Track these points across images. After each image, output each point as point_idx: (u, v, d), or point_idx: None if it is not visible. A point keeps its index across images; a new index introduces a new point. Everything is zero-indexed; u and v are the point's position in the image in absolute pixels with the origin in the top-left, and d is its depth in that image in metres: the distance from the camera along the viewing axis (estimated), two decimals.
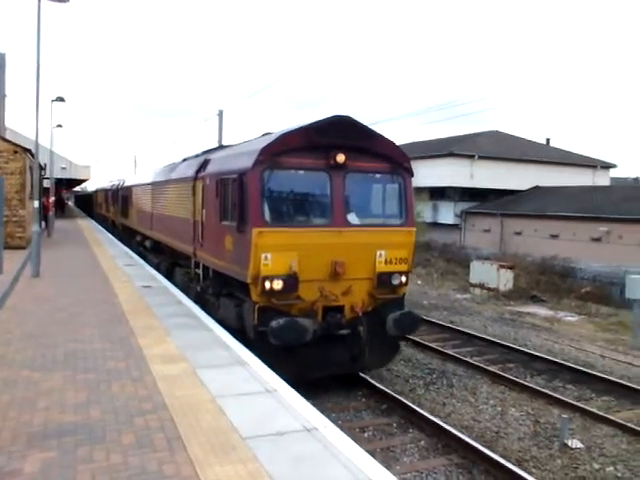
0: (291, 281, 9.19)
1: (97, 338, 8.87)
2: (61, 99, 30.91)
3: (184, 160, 16.89)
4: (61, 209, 56.52)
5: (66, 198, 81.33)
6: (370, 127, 10.13)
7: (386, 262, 10.01)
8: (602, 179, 47.19)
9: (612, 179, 51.52)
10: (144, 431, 5.46)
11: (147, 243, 21.09)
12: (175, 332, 9.26)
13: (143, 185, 21.98)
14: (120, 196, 29.33)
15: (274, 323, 8.90)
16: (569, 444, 8.89)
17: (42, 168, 26.76)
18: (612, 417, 10.00)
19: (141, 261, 19.78)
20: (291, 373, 8.26)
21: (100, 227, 38.22)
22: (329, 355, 9.81)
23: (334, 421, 6.62)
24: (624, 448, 8.97)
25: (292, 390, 6.68)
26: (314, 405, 6.47)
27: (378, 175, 10.36)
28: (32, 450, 5.04)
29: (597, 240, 30.97)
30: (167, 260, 17.51)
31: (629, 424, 9.67)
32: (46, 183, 36.64)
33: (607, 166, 48.83)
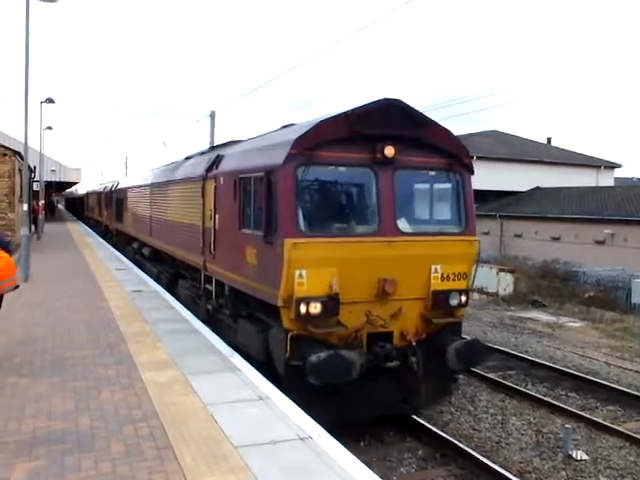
0: (331, 304, 7.52)
1: (87, 344, 8.75)
2: (51, 100, 30.75)
3: (188, 158, 15.09)
4: (51, 212, 56.17)
5: (56, 201, 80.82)
6: (422, 112, 8.45)
7: (442, 278, 8.33)
8: (606, 179, 46.05)
9: (616, 179, 50.43)
10: (134, 439, 5.37)
11: (145, 251, 19.30)
12: (166, 338, 9.16)
13: (140, 187, 20.19)
14: (114, 199, 27.46)
15: (313, 358, 7.16)
16: (573, 455, 8.65)
17: (32, 171, 26.56)
18: (619, 428, 9.73)
19: (131, 265, 19.63)
20: (329, 416, 6.98)
21: (91, 231, 37.97)
22: (375, 393, 8.10)
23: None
24: (632, 460, 8.73)
25: (285, 398, 6.60)
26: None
27: (432, 172, 8.65)
28: (19, 458, 4.95)
29: (601, 243, 30.46)
30: (169, 271, 15.72)
31: (637, 435, 9.39)
32: (36, 186, 36.38)
33: (611, 166, 47.65)
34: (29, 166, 21.96)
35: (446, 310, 8.44)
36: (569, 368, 13.30)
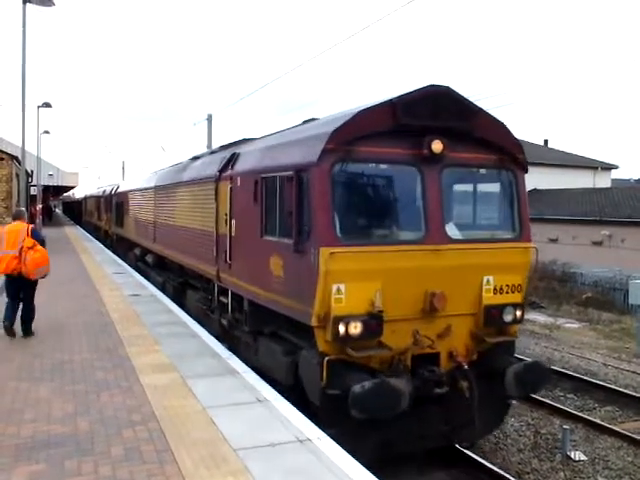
0: (374, 323, 6.55)
1: (85, 348, 8.76)
2: (48, 105, 30.79)
3: (195, 158, 13.96)
4: (49, 217, 56.13)
5: (54, 205, 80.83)
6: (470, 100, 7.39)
7: (495, 291, 7.42)
8: (603, 181, 45.76)
9: (613, 181, 50.20)
10: (133, 443, 5.38)
11: (149, 258, 18.06)
12: (164, 341, 9.16)
13: (143, 190, 19.05)
14: (114, 203, 26.34)
15: (357, 388, 6.17)
16: (572, 456, 8.68)
17: (29, 175, 26.59)
18: (616, 428, 9.76)
19: (129, 269, 19.62)
20: (370, 451, 6.47)
21: (88, 235, 37.91)
22: (421, 424, 7.11)
23: None
24: (630, 461, 8.76)
25: (284, 400, 6.62)
26: None
27: (483, 170, 7.69)
28: (19, 463, 4.95)
29: (598, 244, 30.38)
30: (175, 280, 14.63)
31: (635, 435, 9.43)
32: (33, 190, 36.42)
33: (608, 167, 47.40)
34: (26, 170, 21.97)
35: (499, 327, 7.51)
36: (567, 369, 13.35)
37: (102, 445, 5.32)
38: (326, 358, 6.55)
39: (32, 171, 33.48)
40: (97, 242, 31.51)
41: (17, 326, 9.58)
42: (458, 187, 7.87)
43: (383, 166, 7.12)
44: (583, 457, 8.74)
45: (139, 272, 18.60)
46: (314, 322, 6.59)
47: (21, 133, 16.99)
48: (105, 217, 30.51)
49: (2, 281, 10.48)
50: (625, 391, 11.79)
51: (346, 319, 6.44)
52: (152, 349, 8.69)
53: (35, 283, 9.81)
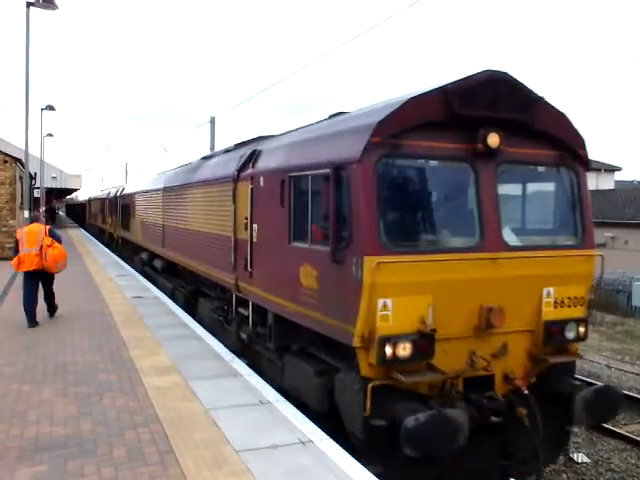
0: (424, 343, 5.74)
1: (88, 350, 8.78)
2: (51, 108, 30.91)
3: (207, 158, 13.26)
4: (52, 219, 56.29)
5: (57, 208, 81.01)
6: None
7: (556, 304, 6.60)
8: (606, 182, 45.81)
9: (617, 182, 50.28)
10: (136, 444, 5.39)
11: (157, 263, 17.22)
12: (167, 343, 9.18)
13: (150, 191, 18.22)
14: (119, 205, 25.50)
15: (410, 422, 5.34)
16: (574, 458, 8.65)
17: (32, 177, 26.68)
18: (620, 430, 9.74)
19: (132, 271, 19.64)
20: None
21: (92, 237, 37.99)
22: (476, 458, 6.14)
23: None
24: (633, 463, 8.75)
25: (287, 402, 6.63)
26: None
27: (542, 168, 6.91)
28: (22, 464, 4.97)
29: (601, 246, 30.61)
30: (186, 287, 13.91)
31: (638, 438, 9.41)
32: (36, 193, 36.52)
33: (611, 169, 47.43)
34: (30, 173, 22.03)
35: (560, 345, 6.68)
36: None
37: (105, 447, 5.33)
38: (370, 384, 5.71)
39: (35, 173, 33.58)
40: (99, 244, 31.58)
41: (18, 334, 9.59)
42: (514, 186, 7.07)
43: (433, 162, 6.33)
44: (586, 459, 8.74)
45: (146, 278, 17.97)
46: (356, 343, 5.72)
47: (24, 136, 17.05)
48: (110, 220, 29.90)
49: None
50: (629, 393, 11.74)
51: (393, 339, 5.62)
52: (155, 351, 8.71)
53: (53, 276, 11.16)
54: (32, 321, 10.53)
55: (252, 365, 8.48)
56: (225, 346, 9.27)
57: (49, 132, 39.91)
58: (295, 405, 6.60)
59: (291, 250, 7.18)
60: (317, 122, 8.03)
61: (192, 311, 12.64)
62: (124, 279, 17.20)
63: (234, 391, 6.93)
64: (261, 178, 8.25)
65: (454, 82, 5.98)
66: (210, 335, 10.01)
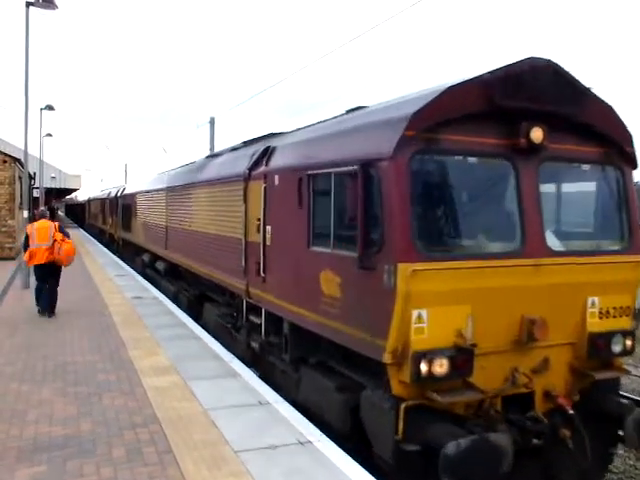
0: (462, 359, 5.20)
1: (87, 350, 8.79)
2: (50, 107, 30.87)
3: (212, 156, 12.78)
4: (52, 218, 56.26)
5: (56, 208, 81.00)
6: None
7: (601, 315, 6.06)
8: None
9: None
10: (135, 444, 5.40)
11: (160, 265, 16.67)
12: (166, 343, 9.20)
13: (152, 191, 17.64)
14: (120, 205, 24.98)
15: (451, 448, 4.76)
16: None
17: (31, 177, 26.66)
18: (620, 432, 9.76)
19: (132, 271, 19.65)
20: None
21: (91, 237, 37.98)
22: None
23: None
24: (631, 464, 8.70)
25: (285, 403, 6.64)
26: None
27: (585, 166, 6.38)
28: (21, 464, 4.98)
29: None
30: (191, 291, 13.38)
31: None
32: (36, 193, 36.51)
33: None
34: (29, 173, 22.01)
35: (606, 359, 6.14)
36: None
37: (104, 447, 5.34)
38: (403, 404, 5.18)
39: (35, 173, 33.56)
40: (99, 244, 31.60)
41: (17, 333, 9.62)
42: (556, 186, 6.50)
43: (471, 159, 5.80)
44: None
45: (148, 280, 17.55)
46: (387, 359, 5.18)
47: (24, 135, 17.04)
48: (110, 220, 29.51)
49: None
50: (631, 396, 11.71)
51: (429, 354, 5.08)
52: (154, 351, 8.73)
53: (60, 269, 11.71)
54: (44, 311, 11.34)
55: (264, 376, 8.03)
56: (235, 355, 8.79)
57: (48, 132, 39.87)
58: (314, 423, 6.14)
59: (310, 255, 6.64)
60: (335, 117, 7.46)
61: (197, 316, 12.14)
62: (123, 279, 17.23)
63: (233, 391, 6.95)
64: (276, 177, 7.72)
65: (494, 71, 5.42)
66: (209, 335, 10.02)
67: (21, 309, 12.19)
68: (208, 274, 11.07)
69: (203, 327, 10.82)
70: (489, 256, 5.60)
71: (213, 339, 9.73)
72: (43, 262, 11.24)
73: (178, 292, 14.28)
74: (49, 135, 39.32)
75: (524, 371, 5.62)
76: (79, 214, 59.96)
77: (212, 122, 28.91)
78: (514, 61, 5.53)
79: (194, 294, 13.00)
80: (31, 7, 15.78)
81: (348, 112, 7.32)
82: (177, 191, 14.08)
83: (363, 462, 5.37)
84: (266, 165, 8.13)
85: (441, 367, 5.11)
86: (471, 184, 6.00)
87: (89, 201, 48.36)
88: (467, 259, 5.45)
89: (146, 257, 18.97)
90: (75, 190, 69.06)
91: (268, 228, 7.89)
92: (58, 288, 11.72)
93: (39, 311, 11.44)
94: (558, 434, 5.63)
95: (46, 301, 11.44)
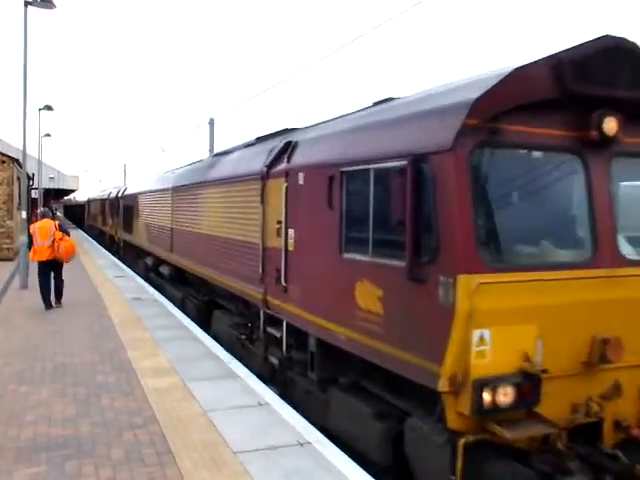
0: (529, 386, 4.49)
1: (86, 351, 8.77)
2: (49, 108, 30.89)
3: (220, 154, 12.06)
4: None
5: (55, 209, 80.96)
6: None
7: None
8: None
9: None
10: (134, 445, 5.39)
11: (164, 269, 15.98)
12: (165, 345, 9.18)
13: (156, 191, 16.87)
14: (122, 206, 24.19)
15: None
16: None
17: (30, 178, 26.66)
18: None
19: (131, 273, 19.62)
20: None
21: (90, 238, 37.92)
22: None
23: None
24: None
25: (285, 404, 6.63)
26: None
27: None
28: (20, 465, 4.97)
29: None
30: (199, 297, 12.59)
31: None
32: (34, 193, 36.48)
33: None
34: (27, 173, 22.01)
35: None
36: None
37: (103, 447, 5.33)
38: (462, 440, 4.44)
39: (33, 174, 33.55)
40: (99, 246, 31.55)
41: (16, 335, 9.59)
42: (628, 185, 5.73)
43: (536, 154, 5.09)
44: None
45: (152, 285, 16.79)
46: (443, 386, 4.45)
47: (22, 136, 17.03)
48: (111, 221, 28.73)
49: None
50: None
51: (492, 382, 4.36)
52: (153, 352, 8.71)
53: (62, 265, 12.58)
54: (48, 305, 12.18)
55: (283, 395, 7.30)
56: (250, 369, 8.12)
57: (47, 132, 39.89)
58: (345, 452, 5.51)
59: (343, 263, 5.92)
60: (368, 107, 6.80)
61: (206, 324, 11.36)
62: (123, 280, 17.20)
63: (232, 392, 6.93)
64: (300, 174, 6.96)
65: (566, 50, 4.71)
66: (208, 336, 10.01)
67: (20, 309, 12.17)
68: (219, 280, 10.36)
69: (214, 338, 10.12)
70: (558, 266, 4.87)
71: (213, 340, 9.71)
72: (45, 259, 12.07)
73: (185, 298, 13.58)
74: (48, 135, 39.34)
75: (594, 397, 4.89)
76: (78, 215, 59.40)
77: (212, 123, 28.90)
78: (586, 40, 4.84)
79: (203, 301, 12.28)
80: (29, 6, 15.79)
81: (375, 104, 6.69)
82: (184, 191, 13.32)
83: (362, 463, 5.34)
84: (288, 162, 7.38)
85: (506, 396, 4.40)
86: (536, 182, 5.20)
87: (89, 202, 47.83)
88: (535, 270, 4.73)
89: (149, 260, 18.33)
90: (73, 191, 69.10)
91: (291, 232, 7.18)
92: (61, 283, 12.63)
93: (46, 307, 12.10)
94: (633, 471, 4.71)
95: (55, 292, 12.45)
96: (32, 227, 12.65)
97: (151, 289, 15.72)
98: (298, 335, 7.17)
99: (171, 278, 15.23)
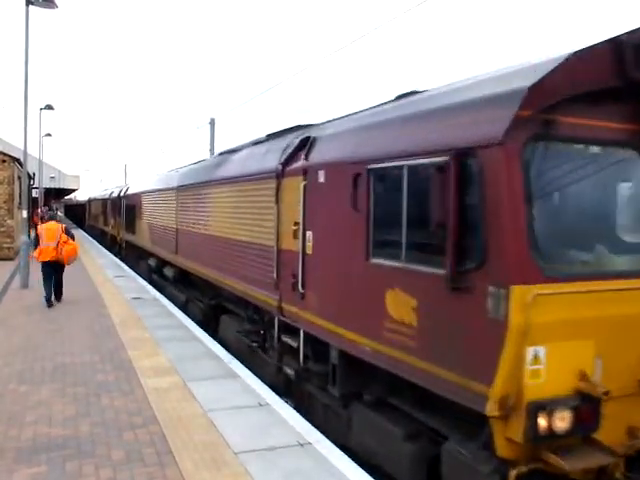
0: (588, 409, 4.04)
1: (87, 350, 8.77)
2: (50, 107, 30.90)
3: (229, 152, 11.38)
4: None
5: (55, 208, 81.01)
6: None
7: None
8: None
9: None
10: (134, 445, 5.38)
11: (168, 272, 15.46)
12: (166, 344, 9.17)
13: (161, 191, 16.41)
14: (124, 206, 23.70)
15: None
16: None
17: (31, 177, 26.65)
18: None
19: (131, 272, 19.60)
20: None
21: (90, 238, 37.91)
22: None
23: None
24: None
25: (285, 404, 6.62)
26: None
27: None
28: (20, 465, 4.96)
29: None
30: (205, 301, 12.12)
31: None
32: (35, 193, 36.50)
33: None
34: (28, 173, 22.00)
35: None
36: None
37: (103, 448, 5.32)
38: (514, 471, 4.00)
39: (34, 173, 33.56)
40: (99, 245, 31.55)
41: (16, 334, 9.57)
42: None
43: (594, 149, 4.59)
44: None
45: (155, 287, 16.34)
46: (492, 410, 3.98)
47: (23, 135, 17.04)
48: (113, 222, 28.21)
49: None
50: None
51: (549, 405, 3.91)
52: (153, 352, 8.70)
53: (64, 266, 13.29)
54: (49, 303, 12.67)
55: (299, 408, 6.87)
56: (263, 381, 7.60)
57: (48, 132, 39.91)
58: (370, 473, 5.12)
59: (370, 268, 5.44)
60: (391, 101, 6.31)
61: (212, 330, 10.94)
62: (123, 280, 17.20)
63: (233, 392, 6.93)
64: (320, 172, 6.49)
65: (629, 33, 4.23)
66: (208, 336, 9.99)
67: (20, 309, 12.18)
68: (227, 284, 9.85)
69: (220, 343, 9.69)
70: (617, 275, 4.41)
71: (213, 340, 9.69)
72: (49, 259, 12.73)
73: (189, 301, 13.21)
74: (48, 135, 39.34)
75: None
76: (79, 215, 58.96)
77: (212, 123, 28.91)
78: None
79: (209, 304, 11.79)
80: (31, 6, 15.78)
81: (398, 98, 6.22)
82: (190, 190, 12.80)
83: (362, 463, 5.32)
84: (306, 159, 6.91)
85: (563, 421, 3.92)
86: (594, 181, 4.66)
87: (89, 201, 47.42)
88: (594, 279, 4.23)
89: (152, 262, 17.81)
90: (74, 190, 69.09)
91: (309, 234, 6.68)
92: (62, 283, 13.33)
93: (48, 305, 12.57)
94: None
95: (55, 291, 13.04)
96: (39, 228, 13.40)
97: (151, 289, 15.71)
98: (316, 345, 6.72)
99: (175, 280, 14.83)
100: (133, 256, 22.17)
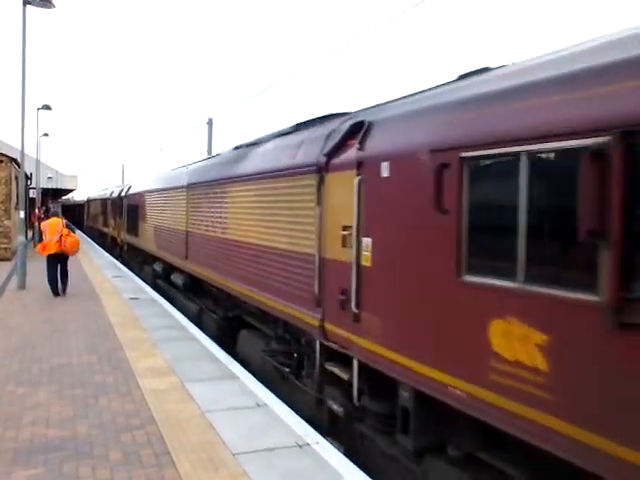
0: None
1: (84, 351, 8.74)
2: (47, 107, 30.82)
3: (248, 145, 10.10)
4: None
5: (52, 208, 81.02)
6: None
7: None
8: None
9: None
10: (132, 447, 5.36)
11: (178, 279, 14.08)
12: (163, 345, 9.16)
13: (168, 190, 15.08)
14: (126, 206, 22.51)
15: None
16: None
17: (28, 178, 26.61)
18: None
19: (129, 273, 19.57)
20: None
21: (88, 239, 37.84)
22: None
23: None
24: None
25: (284, 405, 6.61)
26: None
27: None
28: (17, 466, 4.93)
29: None
30: (222, 314, 10.80)
31: None
32: (32, 193, 36.44)
33: None
34: (25, 173, 21.95)
35: None
36: None
37: (101, 449, 5.30)
38: None
39: (31, 174, 33.50)
40: (96, 245, 31.51)
41: (13, 335, 9.54)
42: None
43: None
44: None
45: (160, 294, 15.10)
46: None
47: (20, 135, 16.99)
48: (113, 223, 27.06)
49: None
50: None
51: None
52: (151, 353, 8.68)
53: (68, 258, 14.49)
54: (55, 293, 13.96)
55: (348, 453, 5.80)
56: (296, 411, 6.51)
57: (45, 132, 39.80)
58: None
59: (464, 289, 4.22)
60: (451, 82, 5.31)
61: (229, 345, 9.81)
62: (120, 280, 17.18)
63: (231, 393, 6.91)
64: (383, 164, 5.27)
65: None
66: (206, 336, 9.96)
67: (17, 310, 12.13)
68: (249, 296, 8.69)
69: (241, 363, 8.51)
70: None
71: (211, 340, 9.67)
72: (53, 252, 13.90)
73: (202, 311, 11.93)
74: (46, 135, 39.25)
75: None
76: (77, 215, 58.29)
77: (210, 123, 28.87)
78: None
79: (225, 317, 10.61)
80: (28, 6, 15.73)
81: (460, 78, 5.27)
82: (203, 189, 11.46)
83: (361, 464, 5.31)
84: (361, 148, 5.69)
85: None
86: None
87: (88, 201, 46.61)
88: None
89: (158, 267, 16.57)
90: (72, 190, 69.02)
91: (367, 241, 5.49)
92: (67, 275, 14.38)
93: (54, 295, 13.85)
94: None
95: (62, 283, 14.18)
96: (43, 224, 14.61)
97: (149, 289, 15.68)
98: (372, 377, 5.55)
99: (185, 288, 13.45)
100: (136, 260, 20.95)
